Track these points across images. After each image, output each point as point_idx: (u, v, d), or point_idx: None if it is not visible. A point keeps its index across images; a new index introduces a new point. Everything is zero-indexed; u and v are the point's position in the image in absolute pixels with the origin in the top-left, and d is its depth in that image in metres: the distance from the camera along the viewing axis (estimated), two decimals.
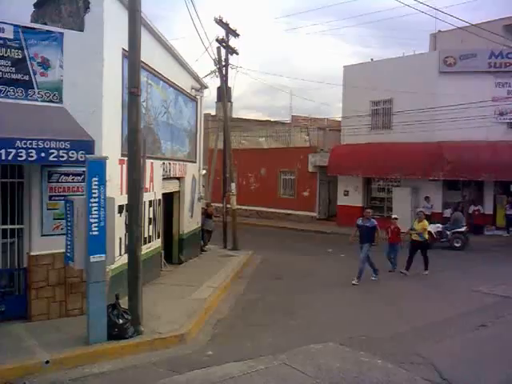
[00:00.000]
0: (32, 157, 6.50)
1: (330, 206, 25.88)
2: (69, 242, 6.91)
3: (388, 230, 13.47)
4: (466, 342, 7.56)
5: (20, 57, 7.39)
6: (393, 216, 14.57)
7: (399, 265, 13.03)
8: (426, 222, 13.09)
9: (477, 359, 6.73)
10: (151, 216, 10.63)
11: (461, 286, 11.41)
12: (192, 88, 14.28)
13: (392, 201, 21.81)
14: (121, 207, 8.57)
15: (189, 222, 14.00)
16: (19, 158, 6.43)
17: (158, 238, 11.44)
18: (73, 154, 6.81)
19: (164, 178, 11.59)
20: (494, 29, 18.48)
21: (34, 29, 7.61)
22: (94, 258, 6.74)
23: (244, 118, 31.05)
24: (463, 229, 17.26)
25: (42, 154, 6.56)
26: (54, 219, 7.73)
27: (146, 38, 8.66)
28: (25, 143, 6.41)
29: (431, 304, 9.83)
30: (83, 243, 6.72)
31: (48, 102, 7.61)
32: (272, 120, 32.80)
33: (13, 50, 7.32)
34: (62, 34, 7.73)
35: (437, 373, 6.16)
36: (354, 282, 11.57)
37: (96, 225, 6.73)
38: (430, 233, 17.39)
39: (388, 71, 21.47)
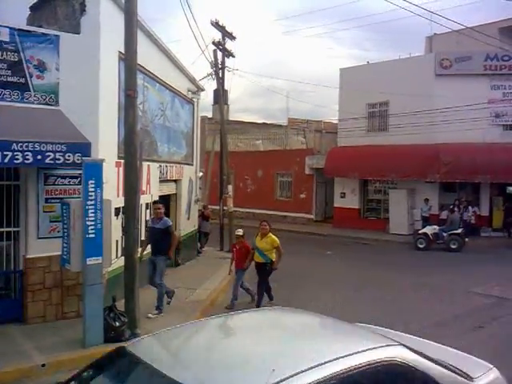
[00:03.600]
0: (28, 159, 6.49)
1: (326, 208, 25.91)
2: (65, 245, 6.90)
3: (233, 251, 10.44)
4: (462, 343, 7.56)
5: (16, 59, 7.38)
6: (237, 232, 10.46)
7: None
8: (273, 238, 9.60)
9: None
10: (148, 218, 10.62)
11: (457, 287, 11.43)
12: (188, 90, 14.29)
13: (388, 203, 21.88)
14: (117, 210, 8.57)
15: (185, 224, 13.99)
16: (15, 161, 6.42)
17: None
18: (69, 156, 6.80)
19: (161, 181, 11.58)
20: (489, 31, 18.57)
21: (30, 31, 7.60)
22: (90, 261, 6.73)
23: (241, 120, 31.04)
24: (460, 230, 17.31)
25: (39, 157, 6.56)
26: (51, 222, 7.71)
27: (142, 41, 8.68)
28: (21, 146, 6.40)
29: (428, 305, 9.85)
30: (80, 246, 6.71)
31: (44, 104, 7.60)
32: (268, 122, 32.82)
33: (9, 52, 7.31)
34: (58, 36, 7.73)
35: None
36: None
37: (92, 227, 6.73)
38: (426, 234, 17.62)
39: (384, 74, 21.53)
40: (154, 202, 9.88)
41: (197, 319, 8.28)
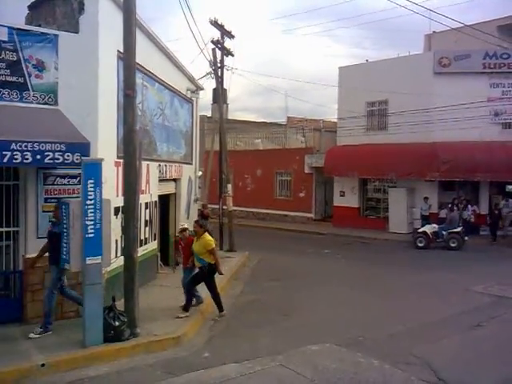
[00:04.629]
0: (27, 159, 6.49)
1: (326, 207, 25.90)
2: (64, 245, 6.89)
3: (178, 248, 9.61)
4: (462, 341, 7.59)
5: (15, 59, 7.38)
6: (181, 225, 9.45)
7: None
8: (207, 239, 8.58)
9: (473, 359, 6.76)
10: (147, 218, 10.61)
11: (457, 285, 11.43)
12: (187, 90, 14.28)
13: (388, 201, 21.89)
14: (117, 209, 8.56)
15: (185, 223, 13.96)
16: (14, 161, 6.42)
17: (154, 239, 11.42)
18: (68, 156, 6.81)
19: (160, 180, 11.57)
20: (488, 29, 18.58)
21: (29, 31, 7.60)
22: (89, 260, 6.74)
23: (240, 119, 31.03)
24: (459, 229, 17.31)
25: (38, 157, 6.56)
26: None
27: (141, 40, 8.66)
28: (20, 146, 6.40)
29: (427, 304, 9.85)
30: (79, 245, 6.71)
31: (43, 104, 7.60)
32: (268, 121, 32.82)
33: (7, 52, 7.31)
34: (56, 35, 7.73)
35: (433, 373, 6.18)
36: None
37: (92, 227, 6.73)
38: (425, 233, 17.63)
39: (383, 72, 21.51)
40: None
41: (196, 319, 8.31)
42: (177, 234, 9.07)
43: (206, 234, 8.72)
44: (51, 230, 7.39)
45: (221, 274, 8.87)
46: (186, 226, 9.17)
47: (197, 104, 15.44)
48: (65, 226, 6.88)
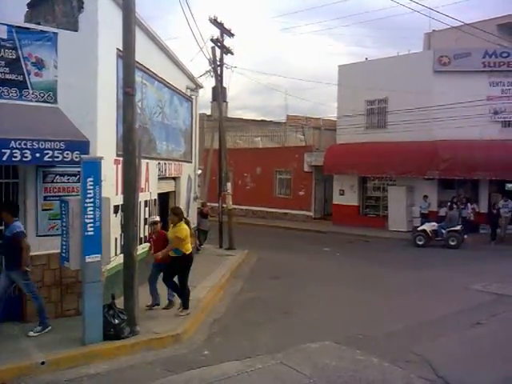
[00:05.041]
0: (27, 157, 6.47)
1: (325, 205, 25.91)
2: (64, 243, 6.89)
3: (150, 242, 8.97)
4: (461, 339, 7.59)
5: (14, 57, 7.35)
6: (152, 218, 9.07)
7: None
8: (181, 227, 8.28)
9: (472, 357, 6.76)
10: (147, 216, 10.61)
11: (456, 284, 11.44)
12: (187, 88, 14.27)
13: (387, 200, 21.89)
14: (116, 207, 8.55)
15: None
16: (14, 159, 6.40)
17: None
18: (68, 154, 6.79)
19: (159, 178, 11.57)
20: (488, 28, 18.53)
21: (28, 29, 7.57)
22: (89, 259, 6.73)
23: (239, 117, 31.02)
24: (458, 227, 17.33)
25: (37, 155, 6.54)
26: (49, 220, 7.71)
27: (140, 38, 8.65)
28: (19, 144, 6.38)
29: (427, 302, 9.86)
30: (78, 243, 6.71)
31: (42, 102, 7.58)
32: (267, 120, 32.79)
33: (6, 50, 7.29)
34: (56, 33, 7.70)
35: (432, 370, 6.18)
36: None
37: (91, 225, 6.73)
38: (425, 231, 17.64)
39: (383, 70, 21.51)
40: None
41: (196, 317, 8.31)
42: (151, 223, 8.81)
43: (182, 222, 8.41)
44: (4, 232, 7.01)
45: (159, 259, 8.23)
46: (157, 218, 8.77)
47: (196, 102, 15.44)
48: (64, 224, 6.88)
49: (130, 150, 7.43)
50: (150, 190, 10.79)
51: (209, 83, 18.37)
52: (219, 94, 17.27)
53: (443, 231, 17.37)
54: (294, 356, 6.67)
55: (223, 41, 17.89)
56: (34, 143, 6.50)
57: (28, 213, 7.59)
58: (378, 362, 6.44)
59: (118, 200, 8.34)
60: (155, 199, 11.38)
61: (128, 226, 7.50)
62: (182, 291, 8.43)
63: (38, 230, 7.65)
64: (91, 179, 6.71)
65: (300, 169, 25.79)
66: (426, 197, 20.21)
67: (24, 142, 6.42)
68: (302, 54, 71.30)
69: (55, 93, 7.70)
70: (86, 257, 6.71)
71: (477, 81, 19.77)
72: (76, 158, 6.83)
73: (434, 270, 13.10)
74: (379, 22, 52.04)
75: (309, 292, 10.73)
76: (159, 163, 11.49)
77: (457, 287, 11.09)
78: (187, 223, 8.76)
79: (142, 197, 9.85)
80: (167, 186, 12.71)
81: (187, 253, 8.34)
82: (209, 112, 20.89)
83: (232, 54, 18.45)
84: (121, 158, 7.86)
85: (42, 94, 7.60)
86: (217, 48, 17.55)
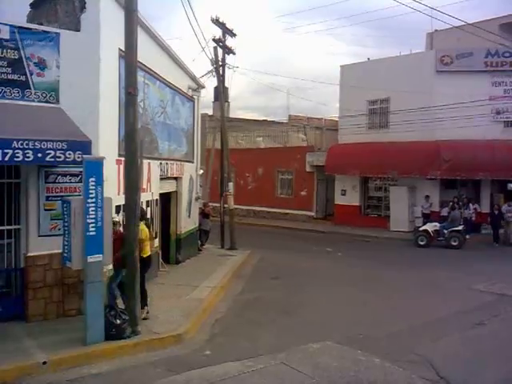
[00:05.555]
0: (29, 157, 6.49)
1: (327, 205, 25.89)
2: (66, 243, 6.90)
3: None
4: (463, 340, 7.59)
5: (16, 57, 7.37)
6: (114, 218, 7.79)
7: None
8: (141, 228, 7.81)
9: (474, 357, 6.76)
10: (148, 216, 10.62)
11: (458, 284, 11.43)
12: (189, 88, 14.27)
13: (389, 200, 21.87)
14: (118, 207, 8.56)
15: (186, 221, 13.98)
16: (16, 159, 6.42)
17: (156, 238, 11.42)
18: (70, 154, 6.81)
19: (161, 178, 11.58)
20: (490, 28, 18.50)
21: (31, 29, 7.59)
22: (91, 259, 6.74)
23: (241, 117, 30.97)
24: (460, 227, 17.30)
25: (39, 155, 6.56)
26: (51, 220, 7.72)
27: (142, 38, 8.66)
28: (22, 144, 6.40)
29: (428, 302, 9.85)
30: (80, 243, 6.72)
31: (45, 102, 7.60)
32: (269, 120, 32.77)
33: (9, 50, 7.31)
34: (58, 34, 7.72)
35: (434, 371, 6.18)
36: None
37: (93, 225, 6.74)
38: (427, 231, 17.61)
39: (385, 70, 21.49)
40: None
41: (198, 317, 8.32)
42: (114, 224, 7.86)
43: (142, 223, 7.98)
44: None
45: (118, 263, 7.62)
46: (117, 219, 7.99)
47: (198, 102, 15.43)
48: (66, 224, 6.89)
49: (132, 150, 7.44)
50: (151, 190, 10.79)
51: (211, 83, 18.35)
52: (221, 94, 17.28)
53: (445, 231, 17.34)
54: (295, 356, 6.67)
55: (225, 41, 17.89)
56: (36, 143, 6.51)
57: (30, 213, 7.61)
58: (379, 363, 6.44)
59: (120, 200, 8.35)
60: (157, 199, 11.39)
61: (129, 227, 7.50)
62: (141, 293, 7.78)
63: (39, 229, 7.66)
64: (93, 179, 6.71)
65: (302, 169, 25.77)
66: (427, 197, 20.18)
67: (26, 142, 6.44)
68: (304, 53, 71.25)
69: (57, 93, 7.71)
70: (88, 257, 6.72)
71: (479, 81, 19.74)
72: (78, 158, 6.84)
73: (436, 271, 13.07)
74: (381, 21, 52.02)
75: (310, 292, 10.73)
76: (161, 163, 11.50)
77: (459, 287, 11.08)
78: (148, 226, 8.46)
79: (144, 197, 9.86)
80: (169, 186, 12.72)
81: (144, 256, 7.99)
82: (211, 112, 20.90)
83: (234, 54, 18.45)
84: (123, 158, 7.87)
85: (44, 94, 7.61)
86: (219, 48, 17.55)
